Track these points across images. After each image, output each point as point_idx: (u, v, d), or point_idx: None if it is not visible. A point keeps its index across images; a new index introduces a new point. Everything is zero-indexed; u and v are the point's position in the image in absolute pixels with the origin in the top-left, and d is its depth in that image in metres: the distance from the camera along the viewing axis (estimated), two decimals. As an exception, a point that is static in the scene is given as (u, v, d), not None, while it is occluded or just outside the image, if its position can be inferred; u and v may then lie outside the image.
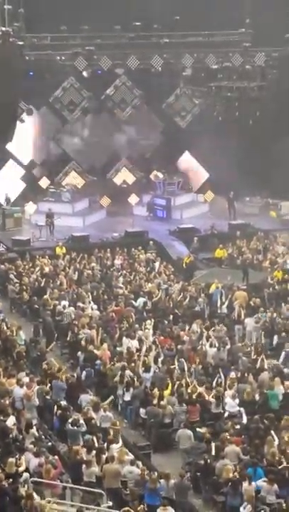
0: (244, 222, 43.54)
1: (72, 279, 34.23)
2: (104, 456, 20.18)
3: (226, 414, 23.53)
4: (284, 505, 19.08)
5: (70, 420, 21.75)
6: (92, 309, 30.79)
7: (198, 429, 22.19)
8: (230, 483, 19.55)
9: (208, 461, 20.63)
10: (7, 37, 41.10)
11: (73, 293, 32.71)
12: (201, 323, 29.33)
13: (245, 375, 25.29)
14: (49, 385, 23.99)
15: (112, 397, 24.50)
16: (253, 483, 19.50)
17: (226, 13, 45.36)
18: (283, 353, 27.49)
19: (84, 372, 25.69)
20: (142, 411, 24.11)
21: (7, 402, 22.76)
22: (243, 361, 26.66)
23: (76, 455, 20.27)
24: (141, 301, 31.89)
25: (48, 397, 23.56)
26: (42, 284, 33.27)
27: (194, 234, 41.46)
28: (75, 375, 25.41)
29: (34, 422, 22.00)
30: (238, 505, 19.26)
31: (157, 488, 19.21)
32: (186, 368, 25.59)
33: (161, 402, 23.65)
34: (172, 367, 25.68)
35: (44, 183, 46.18)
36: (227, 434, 21.68)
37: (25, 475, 19.11)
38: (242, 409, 23.47)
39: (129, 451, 21.00)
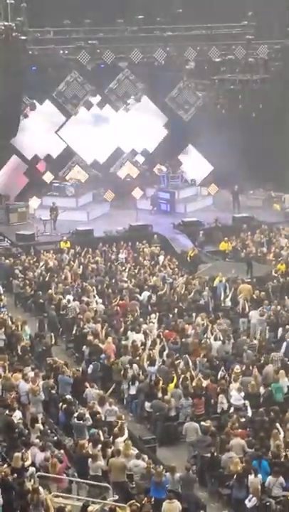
0: (248, 215, 43.57)
1: (76, 273, 34.28)
2: (109, 450, 20.25)
3: (232, 408, 23.56)
4: (289, 497, 19.16)
5: (75, 414, 21.82)
6: (96, 303, 30.83)
7: (202, 423, 22.24)
8: (235, 476, 19.62)
9: (215, 454, 20.68)
10: (10, 32, 41.10)
11: (78, 287, 32.76)
12: (205, 316, 29.38)
13: (250, 368, 25.32)
14: (53, 379, 24.07)
15: (113, 385, 24.59)
16: (259, 475, 19.56)
17: (229, 6, 45.32)
18: (285, 344, 27.61)
19: (91, 366, 25.76)
20: (147, 404, 24.17)
21: (13, 396, 22.84)
22: (248, 354, 26.69)
23: (82, 449, 20.34)
24: (145, 294, 31.94)
25: (53, 391, 23.64)
26: (46, 279, 33.33)
27: (198, 227, 41.55)
28: (81, 369, 25.48)
29: (40, 416, 22.05)
30: (244, 497, 19.33)
31: (163, 482, 19.27)
32: (190, 362, 25.63)
33: (166, 396, 23.71)
34: (177, 360, 25.72)
35: (48, 177, 46.21)
36: (232, 426, 21.72)
37: (31, 469, 19.17)
38: (247, 402, 23.51)
39: (134, 444, 21.05)
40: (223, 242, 39.35)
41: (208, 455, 21.02)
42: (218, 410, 23.70)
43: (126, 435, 21.16)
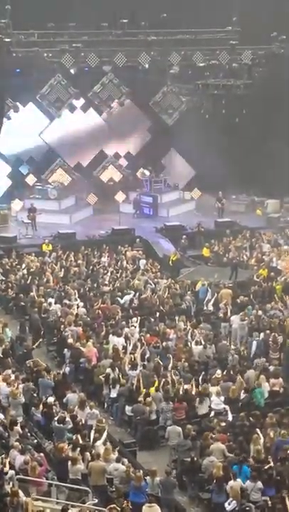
0: (230, 220, 43.64)
1: (58, 276, 34.21)
2: (89, 454, 20.19)
3: (212, 413, 23.57)
4: (269, 503, 19.15)
5: (56, 418, 21.76)
6: (78, 307, 30.77)
7: (188, 426, 22.19)
8: (215, 481, 19.61)
9: (195, 458, 20.66)
10: (-6, 34, 41.08)
11: (60, 290, 32.69)
12: (185, 320, 29.37)
13: (231, 372, 25.34)
14: (34, 382, 24.01)
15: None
16: (238, 479, 19.56)
17: (213, 11, 45.45)
18: (255, 343, 27.73)
19: (67, 368, 25.76)
20: (127, 408, 24.14)
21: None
22: (229, 359, 26.70)
23: (62, 452, 20.28)
24: (127, 298, 31.89)
25: (34, 394, 23.57)
26: (28, 282, 33.25)
27: (181, 231, 41.53)
28: (62, 372, 25.42)
29: (20, 419, 21.98)
30: (224, 502, 19.33)
31: (142, 486, 19.23)
32: (171, 366, 25.61)
33: (147, 399, 23.69)
34: (158, 364, 25.70)
35: (30, 180, 46.12)
36: (212, 431, 21.72)
37: (11, 472, 19.09)
38: (227, 406, 23.53)
39: (114, 448, 21.01)
40: (205, 247, 39.39)
41: (189, 459, 21.01)
42: (199, 413, 23.70)
43: (103, 438, 21.08)
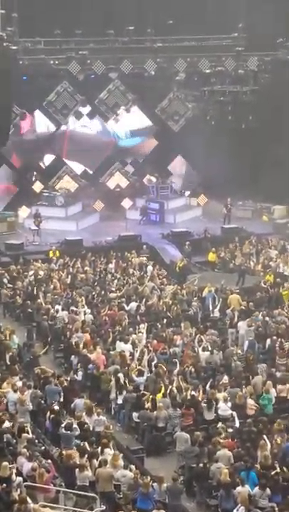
0: (237, 226, 43.66)
1: (65, 283, 34.26)
2: (96, 460, 20.20)
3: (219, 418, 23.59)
4: (276, 509, 19.13)
5: (63, 424, 21.79)
6: (85, 313, 30.81)
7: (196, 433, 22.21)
8: (222, 487, 19.61)
9: (207, 465, 20.62)
10: (1, 41, 41.25)
11: (67, 297, 32.74)
12: (189, 325, 29.37)
13: (238, 379, 25.35)
14: (41, 389, 24.05)
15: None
16: (246, 486, 19.56)
17: (219, 18, 45.53)
18: (247, 342, 27.84)
19: (80, 373, 25.84)
20: (134, 415, 24.16)
21: (1, 406, 22.81)
22: (236, 365, 26.71)
23: (69, 459, 20.30)
24: (133, 305, 31.91)
25: (42, 401, 23.62)
26: (35, 288, 33.30)
27: (187, 238, 41.55)
28: (69, 378, 25.46)
29: (27, 426, 22.00)
30: (231, 508, 19.32)
31: (150, 493, 19.24)
32: (178, 372, 25.63)
33: (159, 404, 23.66)
34: (165, 370, 25.71)
35: (37, 187, 46.21)
36: (219, 437, 21.72)
37: (19, 479, 19.13)
38: (234, 412, 23.54)
39: (122, 454, 21.02)
40: (211, 252, 39.43)
41: (195, 465, 21.02)
42: (207, 419, 23.71)
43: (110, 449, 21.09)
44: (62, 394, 24.05)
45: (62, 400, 23.87)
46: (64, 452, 20.67)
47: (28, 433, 21.33)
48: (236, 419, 23.27)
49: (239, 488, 19.42)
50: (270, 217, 46.12)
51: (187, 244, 40.21)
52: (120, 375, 25.14)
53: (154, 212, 45.74)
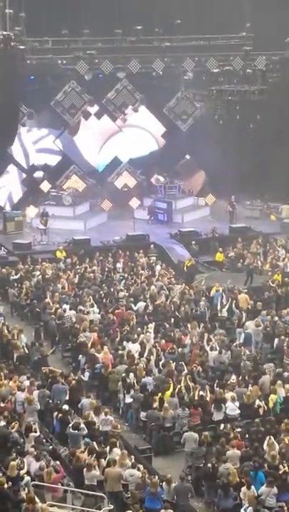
0: (244, 226, 43.59)
1: (73, 282, 34.26)
2: (104, 460, 20.19)
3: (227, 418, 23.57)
4: (285, 508, 19.08)
5: (71, 424, 21.78)
6: (93, 313, 30.81)
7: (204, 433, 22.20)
8: (221, 486, 19.60)
9: (216, 465, 20.57)
10: (8, 41, 41.12)
11: (75, 296, 32.73)
12: (196, 325, 29.33)
13: (246, 378, 25.30)
14: (49, 388, 24.05)
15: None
16: (252, 487, 19.53)
17: (227, 17, 45.48)
18: (243, 335, 27.86)
19: (87, 374, 25.83)
20: (142, 414, 24.14)
21: (9, 405, 22.81)
22: (245, 365, 26.66)
23: (77, 459, 20.29)
24: (141, 305, 31.88)
25: (50, 400, 23.61)
26: (43, 288, 33.30)
27: (195, 237, 41.51)
28: (77, 378, 25.44)
29: (35, 425, 22.00)
30: (230, 506, 19.39)
31: (158, 492, 19.22)
32: (186, 372, 25.60)
33: (165, 405, 23.64)
34: (173, 370, 25.69)
35: (45, 186, 46.21)
36: (227, 437, 21.68)
37: (27, 478, 19.14)
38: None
39: (130, 454, 21.01)
40: (218, 252, 39.38)
41: (202, 465, 20.99)
42: (215, 419, 23.67)
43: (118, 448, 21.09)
44: (68, 393, 24.05)
45: (68, 399, 23.87)
46: (75, 452, 20.64)
47: (35, 432, 21.36)
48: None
49: (244, 489, 19.38)
50: (278, 217, 46.00)
51: (193, 244, 40.15)
52: (129, 374, 25.11)
53: (162, 211, 45.69)
